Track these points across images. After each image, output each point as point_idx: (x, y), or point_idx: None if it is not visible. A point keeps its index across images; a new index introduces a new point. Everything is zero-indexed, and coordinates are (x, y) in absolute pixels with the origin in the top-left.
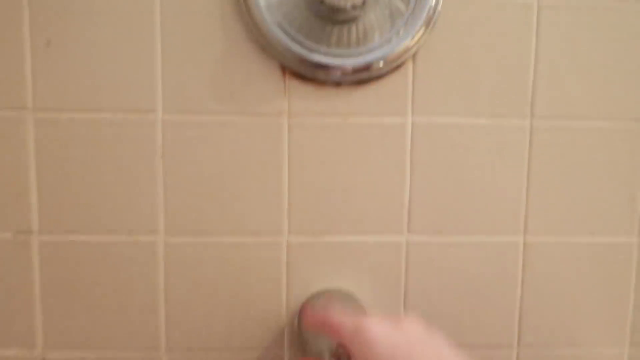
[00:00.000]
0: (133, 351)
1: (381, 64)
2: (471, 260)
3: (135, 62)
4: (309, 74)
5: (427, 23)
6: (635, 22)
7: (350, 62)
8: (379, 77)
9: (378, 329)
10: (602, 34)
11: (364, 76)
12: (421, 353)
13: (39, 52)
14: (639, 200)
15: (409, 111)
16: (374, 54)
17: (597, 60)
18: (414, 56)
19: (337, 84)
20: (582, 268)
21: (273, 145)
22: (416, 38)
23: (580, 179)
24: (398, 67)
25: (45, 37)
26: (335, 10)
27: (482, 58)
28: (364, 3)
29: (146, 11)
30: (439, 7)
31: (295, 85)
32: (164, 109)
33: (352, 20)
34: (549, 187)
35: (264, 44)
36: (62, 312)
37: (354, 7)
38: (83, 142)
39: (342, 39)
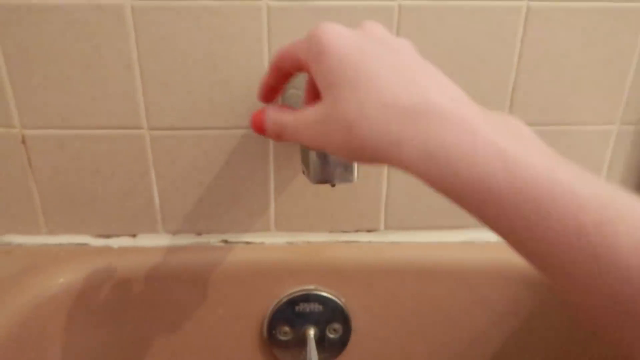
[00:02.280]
0: (115, 129)
1: None
2: (468, 29)
3: None
4: None
5: None
6: None
7: None
8: None
9: (331, 31)
10: None
11: None
12: (379, 54)
13: None
14: None
15: None
16: None
17: None
18: None
19: None
20: (585, 38)
21: None
22: None
23: None
24: None
25: None
26: None
27: None
28: None
29: None
30: None
31: None
32: None
33: None
34: None
35: None
36: (34, 88)
37: None
38: None
39: None
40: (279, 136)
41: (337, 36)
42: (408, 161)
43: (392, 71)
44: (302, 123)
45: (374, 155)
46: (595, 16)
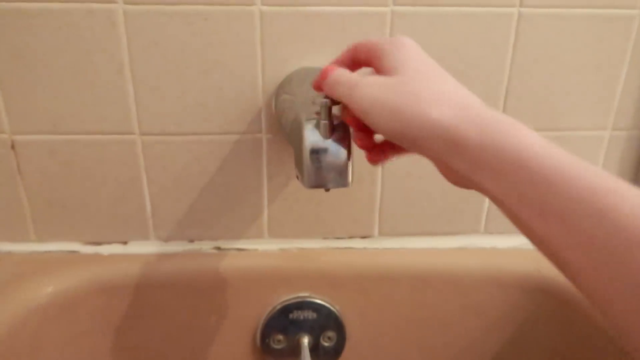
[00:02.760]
0: (106, 134)
1: None
2: (460, 35)
3: None
4: None
5: None
6: None
7: None
8: None
9: (411, 41)
10: None
11: None
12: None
13: None
14: None
15: None
16: None
17: None
18: None
19: None
20: (576, 45)
21: None
22: None
23: None
24: None
25: None
26: None
27: None
28: None
29: None
30: None
31: None
32: None
33: None
34: None
35: None
36: (24, 93)
37: None
38: None
39: None
40: (332, 87)
41: (416, 44)
42: (465, 137)
43: (453, 82)
44: (368, 83)
45: (424, 126)
46: (586, 22)
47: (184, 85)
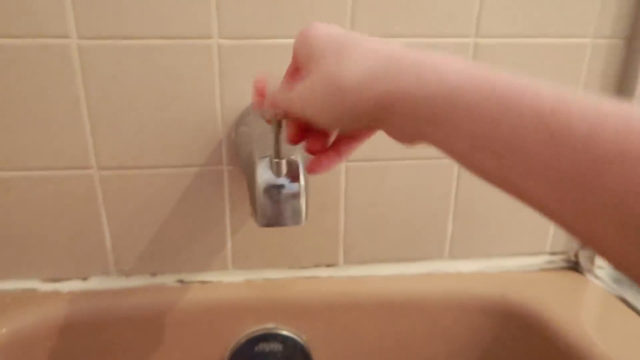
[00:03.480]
0: (62, 170)
1: None
2: None
3: None
4: None
5: None
6: None
7: None
8: None
9: (316, 23)
10: None
11: None
12: (358, 34)
13: None
14: None
15: None
16: None
17: None
18: None
19: None
20: (531, 72)
21: None
22: None
23: None
24: None
25: None
26: None
27: None
28: None
29: None
30: None
31: None
32: None
33: None
34: None
35: None
36: None
37: None
38: None
39: None
40: (277, 115)
41: (322, 25)
42: (392, 90)
43: (372, 40)
44: (293, 97)
45: (358, 96)
46: (541, 51)
47: (142, 119)
